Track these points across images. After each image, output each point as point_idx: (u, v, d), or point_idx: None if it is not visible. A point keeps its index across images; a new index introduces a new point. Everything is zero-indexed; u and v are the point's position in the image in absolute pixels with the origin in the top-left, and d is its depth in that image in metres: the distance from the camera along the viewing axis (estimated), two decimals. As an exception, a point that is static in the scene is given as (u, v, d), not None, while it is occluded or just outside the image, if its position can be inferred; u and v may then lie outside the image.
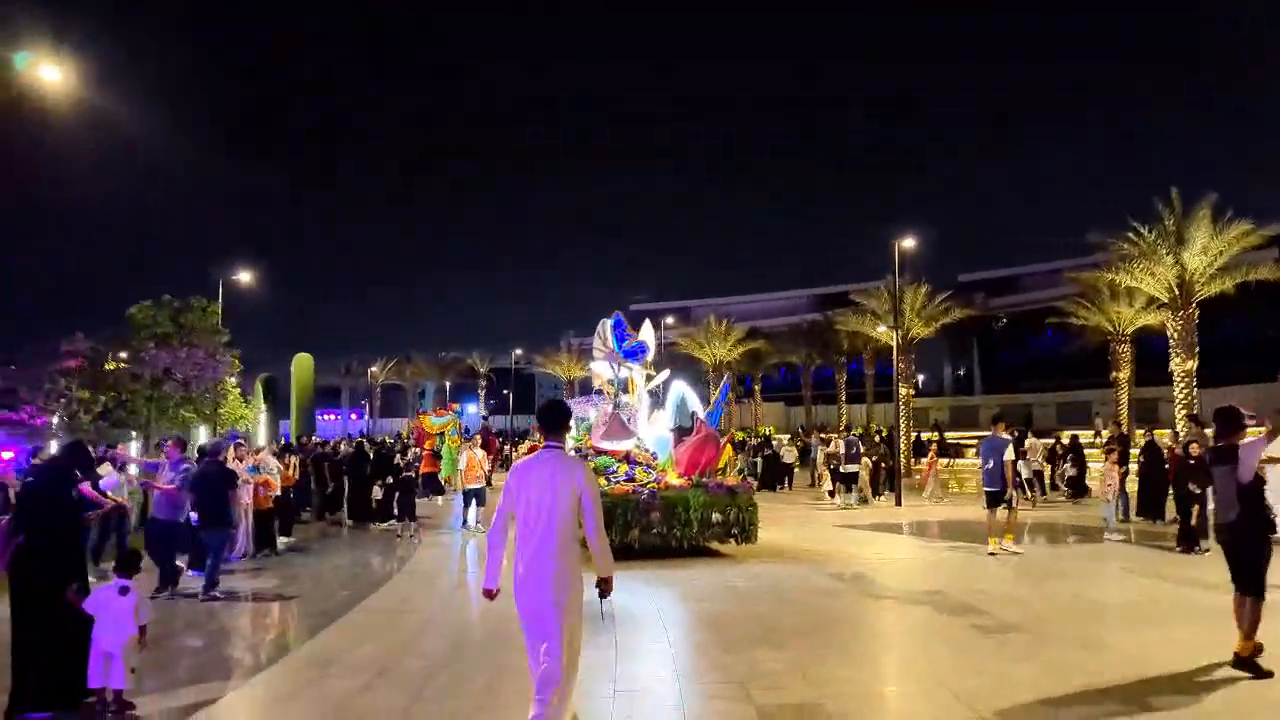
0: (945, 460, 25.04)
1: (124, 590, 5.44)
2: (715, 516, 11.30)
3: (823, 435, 26.38)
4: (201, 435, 22.40)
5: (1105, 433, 24.12)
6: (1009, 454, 11.85)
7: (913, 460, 28.12)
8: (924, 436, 30.56)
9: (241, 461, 11.35)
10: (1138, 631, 7.50)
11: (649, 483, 11.56)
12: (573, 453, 8.98)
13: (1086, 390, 37.61)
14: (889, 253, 23.21)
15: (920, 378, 77.95)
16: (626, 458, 12.32)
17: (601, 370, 13.91)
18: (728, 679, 6.06)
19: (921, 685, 6.11)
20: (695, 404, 13.76)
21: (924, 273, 32.89)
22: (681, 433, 13.30)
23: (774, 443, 28.25)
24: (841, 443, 19.36)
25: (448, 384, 60.51)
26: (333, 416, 62.72)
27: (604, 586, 4.52)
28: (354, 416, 64.56)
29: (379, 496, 15.96)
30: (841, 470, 18.87)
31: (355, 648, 7.06)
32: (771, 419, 58.94)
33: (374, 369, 58.38)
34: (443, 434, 25.51)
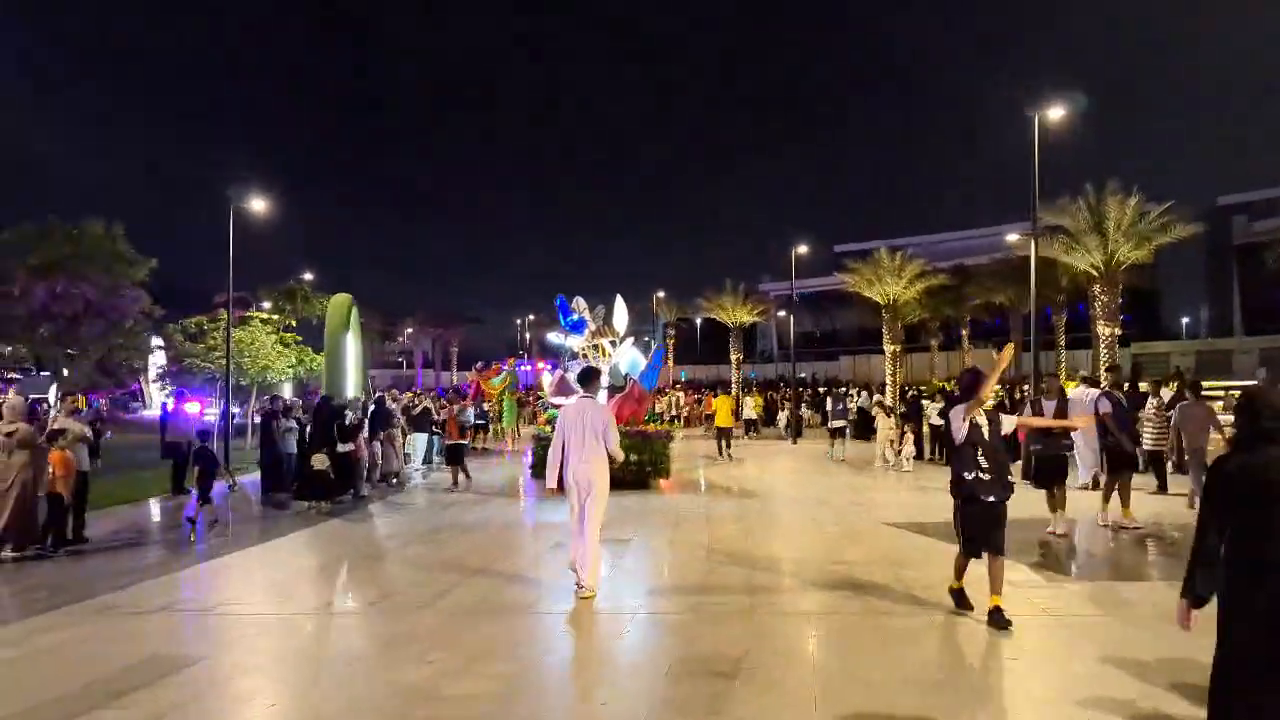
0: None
1: None
2: (633, 457, 13.53)
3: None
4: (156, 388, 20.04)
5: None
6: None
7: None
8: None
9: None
10: None
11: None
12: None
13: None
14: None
15: (1185, 320, 65.34)
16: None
17: (553, 339, 17.93)
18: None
19: None
20: (637, 367, 15.79)
21: (1158, 192, 25.57)
22: (614, 390, 14.65)
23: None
24: (830, 399, 21.72)
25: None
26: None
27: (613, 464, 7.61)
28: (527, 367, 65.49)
29: (320, 466, 12.76)
30: (830, 426, 20.58)
31: None
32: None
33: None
34: (503, 391, 24.27)
